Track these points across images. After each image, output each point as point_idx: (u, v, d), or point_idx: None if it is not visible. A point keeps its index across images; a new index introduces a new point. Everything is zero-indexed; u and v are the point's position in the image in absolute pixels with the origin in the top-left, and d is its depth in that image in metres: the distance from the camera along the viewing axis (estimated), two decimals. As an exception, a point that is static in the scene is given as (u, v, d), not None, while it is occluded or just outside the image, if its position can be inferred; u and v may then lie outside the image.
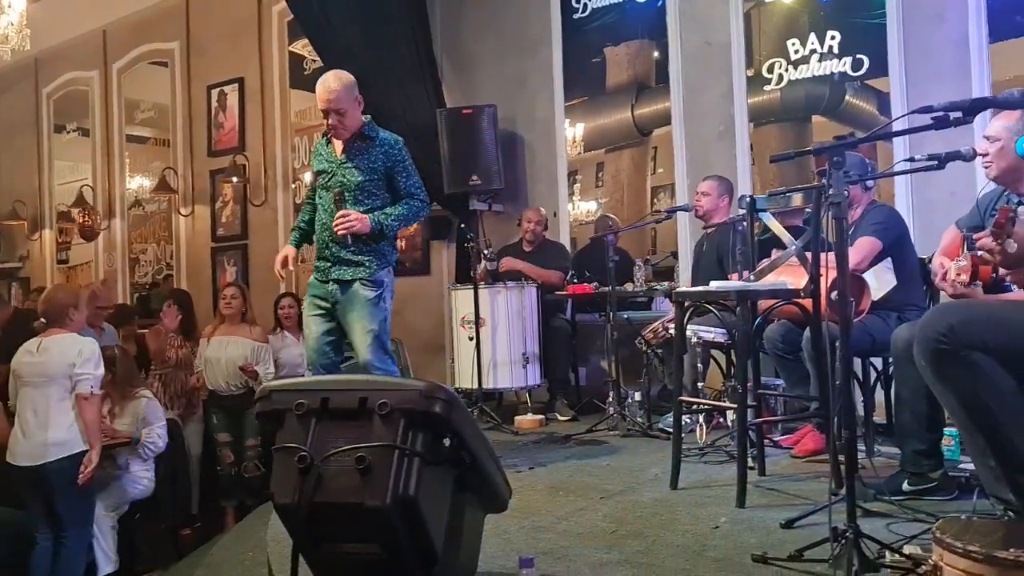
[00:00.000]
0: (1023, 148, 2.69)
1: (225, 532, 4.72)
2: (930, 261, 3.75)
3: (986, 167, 2.84)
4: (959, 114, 2.01)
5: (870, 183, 3.68)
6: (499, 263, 5.39)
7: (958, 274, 2.56)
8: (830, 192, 2.11)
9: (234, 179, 7.94)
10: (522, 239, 5.62)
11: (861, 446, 3.45)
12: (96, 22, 9.15)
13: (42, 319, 4.23)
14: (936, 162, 2.60)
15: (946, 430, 3.06)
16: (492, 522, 2.40)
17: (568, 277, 5.31)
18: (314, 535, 1.74)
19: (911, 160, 2.69)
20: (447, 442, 1.78)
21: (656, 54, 5.74)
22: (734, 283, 3.21)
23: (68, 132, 10.14)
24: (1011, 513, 2.30)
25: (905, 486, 2.91)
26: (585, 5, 5.98)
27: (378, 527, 1.68)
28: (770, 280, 3.22)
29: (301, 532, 1.74)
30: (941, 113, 2.02)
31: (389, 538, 1.69)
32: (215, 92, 8.31)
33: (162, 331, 6.06)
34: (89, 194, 9.30)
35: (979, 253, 2.29)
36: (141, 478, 4.69)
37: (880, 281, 3.60)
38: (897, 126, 2.69)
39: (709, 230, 4.68)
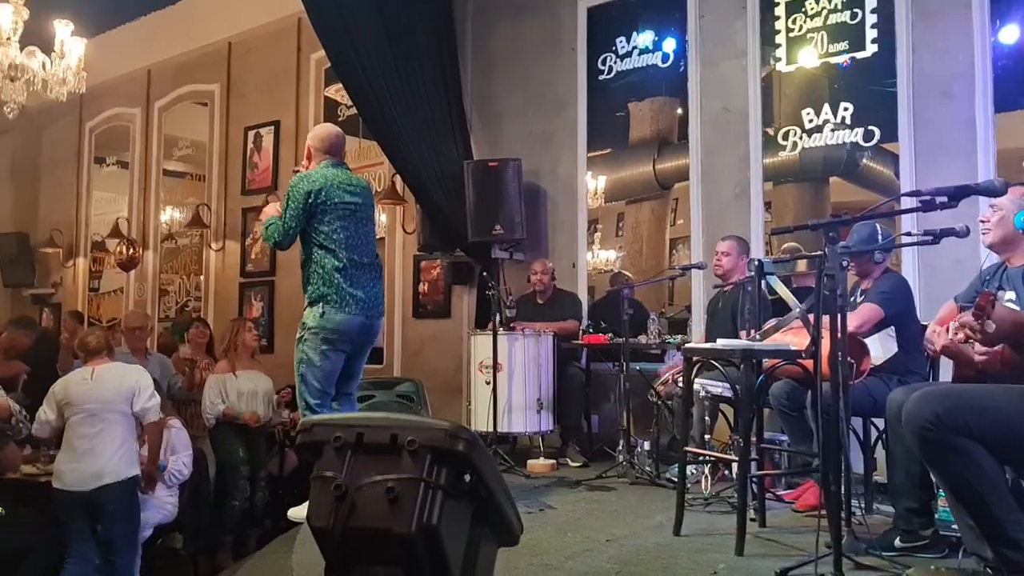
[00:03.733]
0: (1021, 222, 2.88)
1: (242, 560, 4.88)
2: (933, 328, 3.95)
3: (984, 233, 3.03)
4: (944, 199, 2.20)
5: (878, 256, 3.86)
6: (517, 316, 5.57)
7: (955, 332, 2.72)
8: (825, 264, 2.30)
9: (265, 218, 8.21)
10: (534, 291, 5.82)
11: (861, 503, 3.60)
12: (142, 62, 9.56)
13: (89, 355, 4.42)
14: (931, 237, 2.80)
15: (940, 492, 3.20)
16: (502, 558, 2.56)
17: (584, 327, 5.50)
18: (345, 557, 1.92)
19: (908, 234, 2.89)
20: (467, 478, 1.97)
21: (679, 111, 5.96)
22: (739, 342, 3.40)
23: (108, 165, 10.53)
24: (990, 570, 2.45)
25: (897, 543, 3.04)
26: (610, 67, 6.25)
27: (403, 552, 1.86)
28: (775, 340, 3.40)
29: (334, 554, 1.92)
30: (928, 197, 2.21)
31: (412, 563, 1.87)
32: (251, 133, 8.65)
33: (183, 357, 6.35)
34: (125, 225, 9.63)
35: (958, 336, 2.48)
36: (165, 503, 4.88)
37: (883, 348, 3.77)
38: (908, 203, 2.90)
39: (725, 288, 4.86)
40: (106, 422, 4.25)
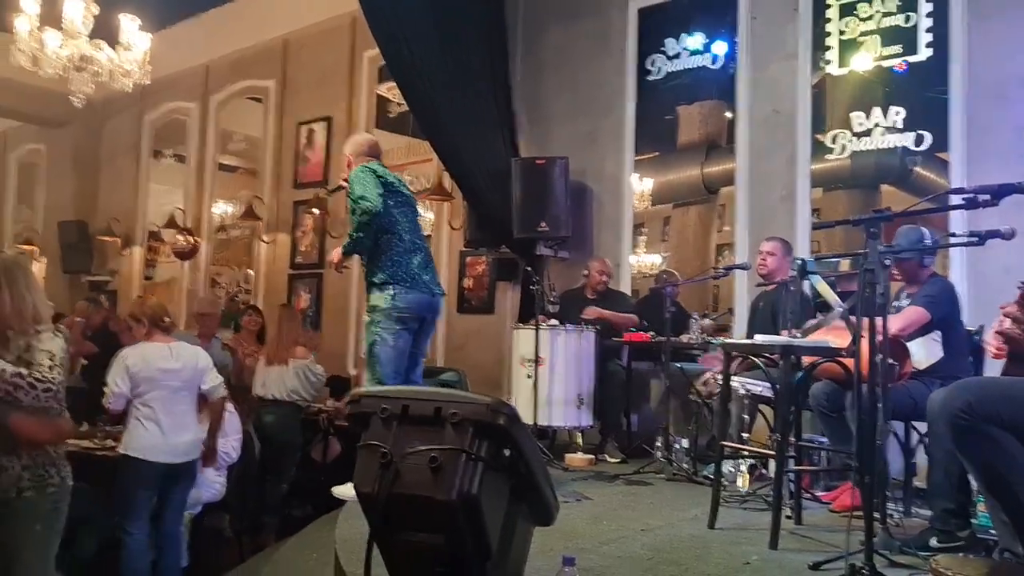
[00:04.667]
0: None
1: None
2: (978, 333, 3.93)
3: None
4: (987, 197, 2.21)
5: (926, 260, 3.85)
6: (579, 310, 5.59)
7: (1000, 323, 2.72)
8: (866, 260, 2.33)
9: (315, 211, 8.39)
10: (585, 287, 5.85)
11: (899, 506, 3.60)
12: (201, 58, 9.81)
13: (153, 324, 4.54)
14: (976, 239, 2.80)
15: (980, 497, 3.19)
16: (537, 540, 2.62)
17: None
18: (389, 523, 2.01)
19: (953, 235, 2.89)
20: (507, 452, 2.05)
21: (728, 114, 5.97)
22: (779, 338, 3.42)
23: (165, 157, 10.84)
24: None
25: (932, 543, 3.04)
26: (659, 68, 6.28)
27: (444, 520, 1.95)
28: (815, 338, 3.42)
29: (378, 520, 2.01)
30: (971, 195, 2.23)
31: (452, 530, 1.96)
32: (304, 128, 8.83)
33: (236, 341, 6.54)
34: (180, 216, 9.90)
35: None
36: (214, 482, 5.02)
37: (927, 352, 3.76)
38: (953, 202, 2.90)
39: (767, 288, 4.87)
40: (188, 398, 4.43)
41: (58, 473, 2.98)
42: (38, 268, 11.95)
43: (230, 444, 5.11)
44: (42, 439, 2.91)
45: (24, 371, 2.75)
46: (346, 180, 4.32)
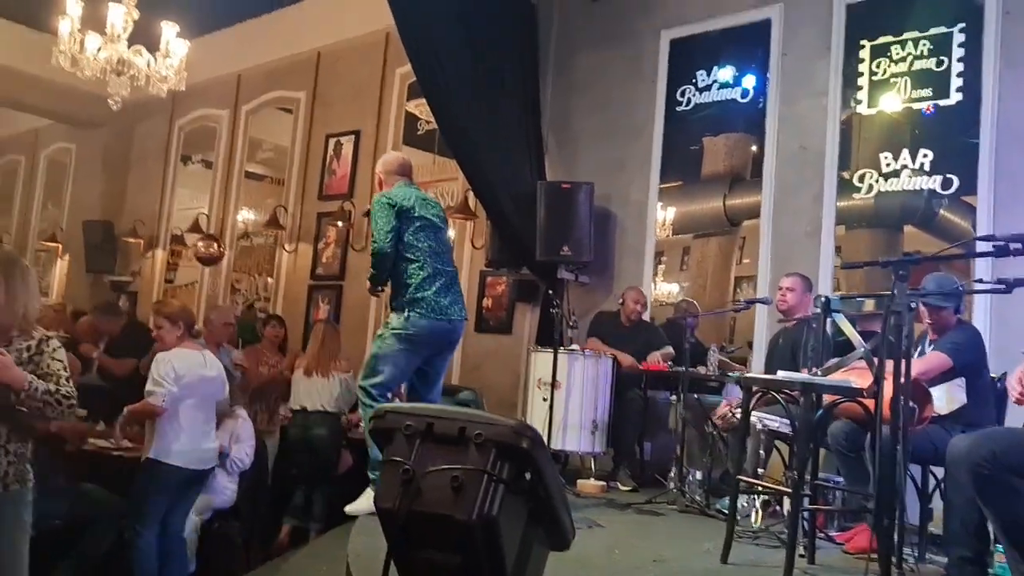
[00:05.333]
0: None
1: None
2: (1001, 379, 3.90)
3: None
4: (1019, 245, 2.21)
5: (959, 308, 3.82)
6: (614, 336, 5.63)
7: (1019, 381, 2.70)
8: (893, 303, 2.33)
9: (339, 223, 8.46)
10: (619, 313, 5.84)
11: (914, 552, 3.57)
12: (234, 67, 9.92)
13: (187, 329, 4.56)
14: (1004, 286, 2.79)
15: (998, 546, 3.16)
16: (551, 566, 2.61)
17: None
18: (407, 540, 2.02)
19: (980, 281, 2.89)
20: (528, 476, 2.06)
21: (754, 147, 5.98)
22: (800, 375, 3.41)
23: (193, 163, 10.95)
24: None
25: (948, 590, 3.02)
26: (689, 99, 6.31)
27: (462, 540, 1.96)
28: (836, 378, 3.40)
29: (397, 535, 2.02)
30: (1002, 243, 2.23)
31: (470, 551, 1.96)
32: (332, 141, 8.90)
33: (256, 351, 6.55)
34: (204, 222, 9.98)
35: None
36: (226, 488, 5.05)
37: (949, 397, 3.74)
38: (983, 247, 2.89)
39: (787, 324, 4.85)
40: (212, 407, 4.50)
41: (30, 471, 2.95)
42: (61, 266, 12.10)
43: (243, 451, 5.14)
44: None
45: (52, 387, 2.77)
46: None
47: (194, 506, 4.79)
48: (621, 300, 5.85)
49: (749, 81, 6.03)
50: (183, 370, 4.30)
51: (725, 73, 6.15)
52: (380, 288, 4.33)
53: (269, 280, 9.42)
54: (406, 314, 4.12)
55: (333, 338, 6.42)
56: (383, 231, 4.12)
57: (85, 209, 11.54)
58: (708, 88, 6.23)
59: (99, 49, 5.85)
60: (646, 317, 6.07)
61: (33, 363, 2.84)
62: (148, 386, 4.24)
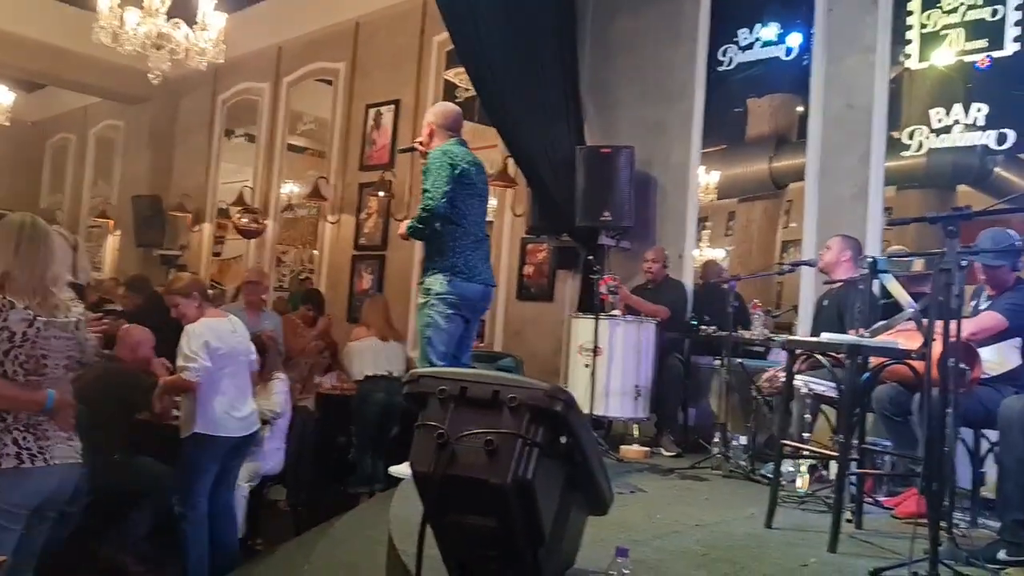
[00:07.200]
0: None
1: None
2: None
3: None
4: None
5: (1019, 264, 3.69)
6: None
7: None
8: (942, 260, 2.25)
9: (380, 193, 8.48)
10: (646, 279, 5.82)
11: (966, 516, 3.49)
12: (273, 39, 9.98)
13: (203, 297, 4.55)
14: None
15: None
16: (591, 530, 2.61)
17: (688, 319, 5.46)
18: (443, 504, 2.02)
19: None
20: (563, 440, 2.04)
21: (799, 108, 5.83)
22: (846, 337, 3.33)
23: (236, 136, 11.06)
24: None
25: (1001, 555, 2.94)
26: (731, 59, 6.16)
27: (497, 503, 1.95)
28: (883, 339, 3.32)
29: (432, 500, 2.02)
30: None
31: (505, 514, 1.96)
32: (372, 111, 8.91)
33: (291, 321, 6.70)
34: (248, 195, 10.09)
35: None
36: (274, 453, 5.13)
37: (1001, 357, 3.62)
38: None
39: (834, 285, 4.74)
40: (247, 370, 4.49)
41: None
42: (112, 241, 12.35)
43: (276, 400, 5.14)
44: None
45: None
46: (421, 143, 4.41)
47: (242, 473, 4.88)
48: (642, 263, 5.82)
49: (794, 39, 5.86)
50: (216, 342, 4.25)
51: (768, 31, 5.99)
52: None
53: (315, 252, 9.51)
54: (448, 276, 4.12)
55: (389, 307, 6.73)
56: (441, 190, 4.06)
57: (134, 184, 11.75)
58: (751, 46, 6.07)
59: (138, 24, 5.89)
60: (688, 279, 6.00)
61: (81, 331, 2.93)
62: (179, 361, 4.19)
